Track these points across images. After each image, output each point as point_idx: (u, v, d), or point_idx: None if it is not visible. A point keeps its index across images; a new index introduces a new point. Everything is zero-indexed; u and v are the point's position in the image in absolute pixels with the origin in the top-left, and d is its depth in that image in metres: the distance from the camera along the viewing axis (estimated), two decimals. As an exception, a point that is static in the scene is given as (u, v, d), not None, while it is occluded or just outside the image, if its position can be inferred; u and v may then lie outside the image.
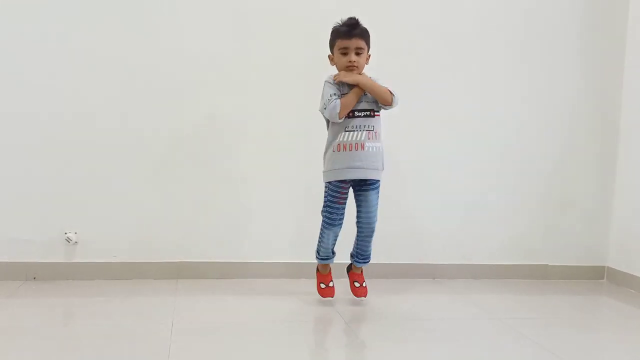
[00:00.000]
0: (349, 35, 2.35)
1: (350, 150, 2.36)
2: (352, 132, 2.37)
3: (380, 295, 2.53)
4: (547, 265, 3.17)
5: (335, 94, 2.34)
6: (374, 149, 2.39)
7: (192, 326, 2.15)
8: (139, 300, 2.46)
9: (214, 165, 2.81)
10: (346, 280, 2.58)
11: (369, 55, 2.44)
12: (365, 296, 2.52)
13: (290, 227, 2.88)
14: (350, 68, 2.37)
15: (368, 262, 2.54)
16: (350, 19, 2.38)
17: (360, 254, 2.52)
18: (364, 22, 2.37)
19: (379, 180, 2.44)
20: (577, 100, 3.15)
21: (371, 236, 2.48)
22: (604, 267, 3.23)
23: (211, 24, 2.76)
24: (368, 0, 2.83)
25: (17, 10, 2.59)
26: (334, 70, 2.44)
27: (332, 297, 2.50)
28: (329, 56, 2.45)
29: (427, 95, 2.97)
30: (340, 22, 2.40)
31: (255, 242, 2.87)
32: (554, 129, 3.14)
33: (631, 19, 3.12)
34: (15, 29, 2.60)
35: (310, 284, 2.58)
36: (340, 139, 2.37)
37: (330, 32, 2.41)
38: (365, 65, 2.43)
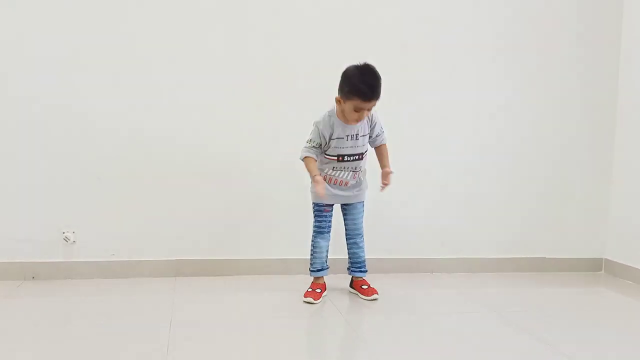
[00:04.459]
0: (369, 98, 2.28)
1: (336, 184, 2.50)
2: (340, 172, 2.48)
3: (378, 289, 2.53)
4: (545, 257, 3.18)
5: (316, 142, 2.42)
6: (357, 181, 2.53)
7: (190, 324, 2.15)
8: (137, 299, 2.46)
9: (210, 163, 2.81)
10: (342, 277, 2.58)
11: None
12: (377, 293, 2.52)
13: (286, 223, 2.89)
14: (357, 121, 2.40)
15: (365, 271, 2.57)
16: (372, 76, 2.27)
17: (355, 261, 2.56)
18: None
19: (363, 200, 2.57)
20: (573, 93, 3.15)
21: (359, 237, 2.54)
22: (601, 259, 3.24)
23: (205, 21, 2.76)
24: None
25: (21, 17, 2.60)
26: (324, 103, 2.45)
27: (314, 300, 2.44)
28: (336, 98, 2.37)
29: (422, 91, 2.97)
30: (357, 68, 2.28)
31: (253, 239, 2.88)
32: (551, 122, 3.14)
33: (626, 12, 3.13)
34: (17, 33, 2.60)
35: (308, 280, 2.59)
36: (329, 172, 2.50)
37: (344, 75, 2.32)
38: None
